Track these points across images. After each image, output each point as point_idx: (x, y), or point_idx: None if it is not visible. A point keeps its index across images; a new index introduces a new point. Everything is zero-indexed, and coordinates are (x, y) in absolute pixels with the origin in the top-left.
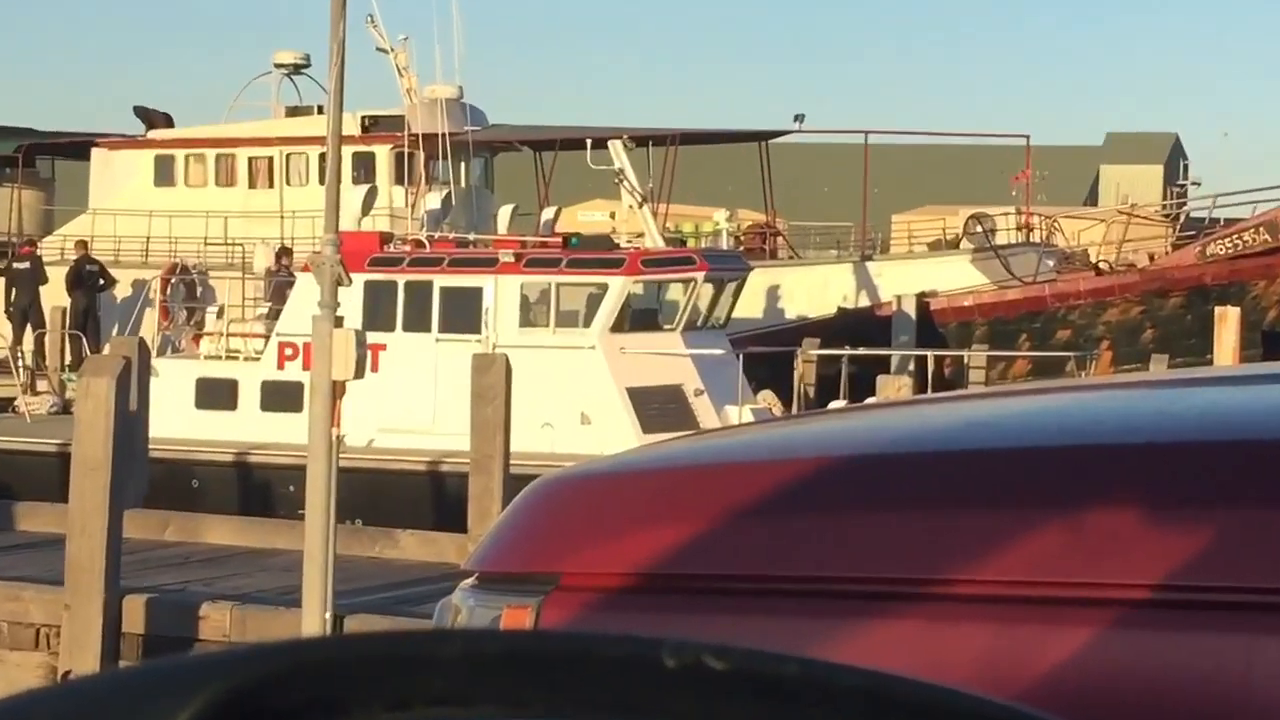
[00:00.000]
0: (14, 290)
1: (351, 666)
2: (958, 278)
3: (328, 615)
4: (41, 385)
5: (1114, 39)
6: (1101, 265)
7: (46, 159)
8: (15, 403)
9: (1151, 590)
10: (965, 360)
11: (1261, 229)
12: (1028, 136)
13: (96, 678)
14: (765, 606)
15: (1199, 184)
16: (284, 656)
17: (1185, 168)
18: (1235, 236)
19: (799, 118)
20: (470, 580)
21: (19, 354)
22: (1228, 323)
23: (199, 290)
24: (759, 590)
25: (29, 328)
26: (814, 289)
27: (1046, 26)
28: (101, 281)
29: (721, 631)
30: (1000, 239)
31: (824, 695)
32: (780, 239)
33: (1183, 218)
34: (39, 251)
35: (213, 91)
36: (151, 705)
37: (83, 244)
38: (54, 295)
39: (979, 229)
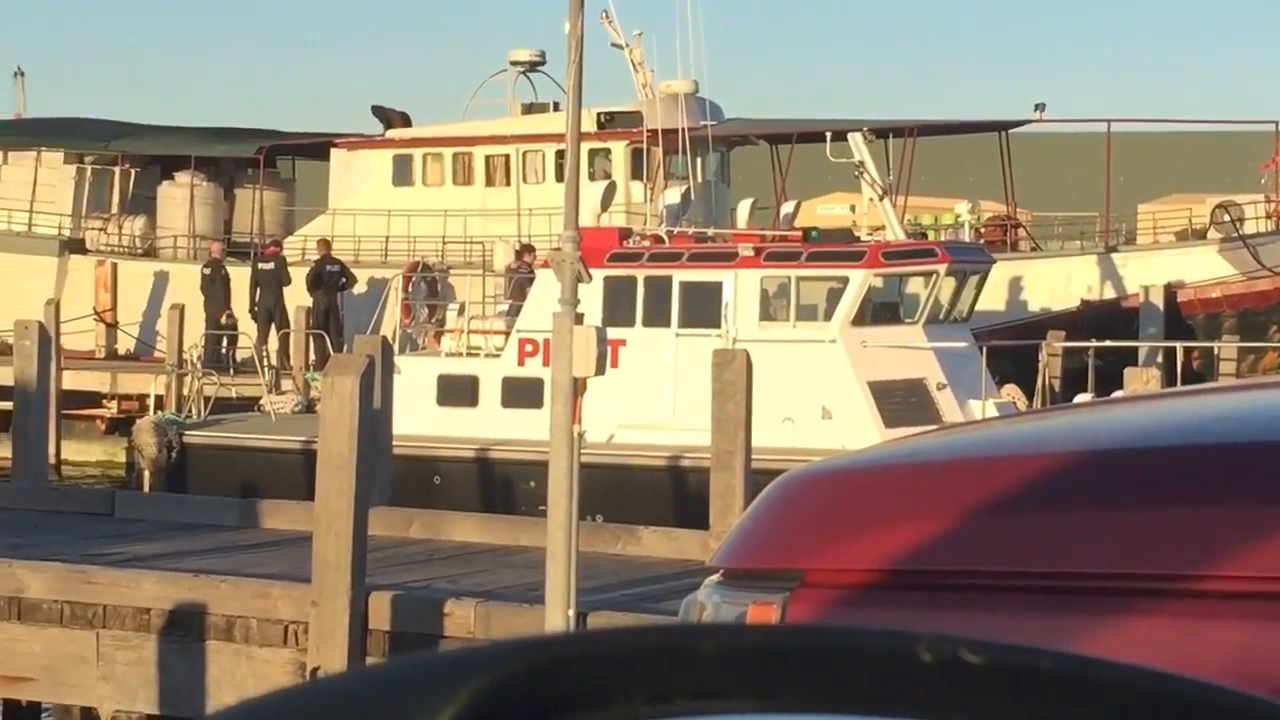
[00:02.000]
0: (259, 290)
1: (611, 660)
2: (1205, 268)
3: (571, 612)
4: (286, 384)
5: None
6: None
7: (286, 159)
8: (261, 401)
9: None
10: (1215, 352)
11: None
12: (1277, 122)
13: (359, 675)
14: (1011, 603)
15: None
16: (544, 651)
17: None
18: None
19: (1039, 107)
20: (715, 576)
21: (264, 353)
22: None
23: (440, 288)
24: (1005, 586)
25: (273, 327)
26: (1057, 281)
27: None
28: (343, 281)
29: (968, 627)
30: (1249, 228)
31: (1081, 690)
32: (1022, 230)
33: None
34: (282, 252)
35: (449, 90)
36: (419, 701)
37: (325, 243)
38: (297, 295)
39: (1227, 218)
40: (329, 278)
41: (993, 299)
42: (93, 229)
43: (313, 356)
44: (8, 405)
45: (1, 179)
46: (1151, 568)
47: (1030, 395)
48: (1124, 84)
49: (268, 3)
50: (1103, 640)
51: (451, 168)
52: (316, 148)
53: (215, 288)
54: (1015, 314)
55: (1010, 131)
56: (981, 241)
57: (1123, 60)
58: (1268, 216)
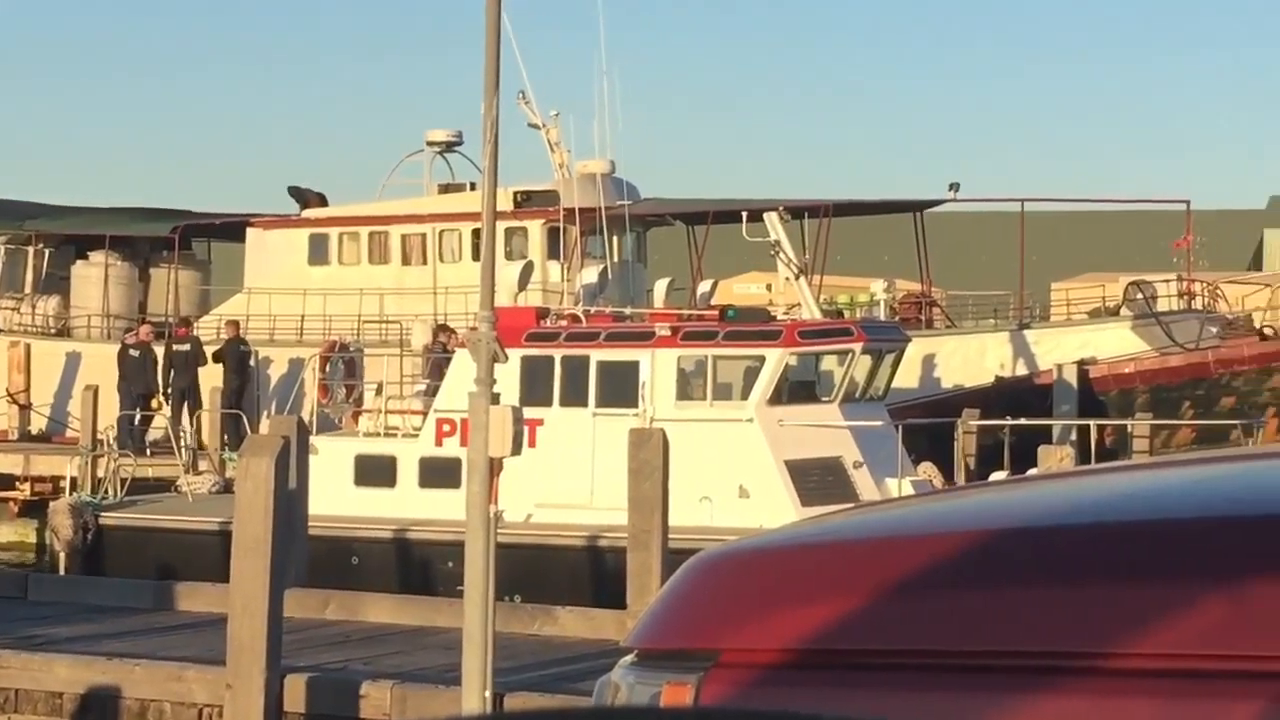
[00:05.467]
0: (174, 371)
1: None
2: (1118, 345)
3: (488, 694)
4: (203, 465)
5: (1276, 99)
6: (1266, 331)
7: (202, 240)
8: (178, 482)
9: None
10: (1128, 429)
11: None
12: (1188, 201)
13: None
14: (923, 681)
15: None
16: None
17: None
18: None
19: (954, 186)
20: (630, 657)
21: (180, 434)
22: None
23: (357, 367)
24: (917, 665)
25: (187, 408)
26: (971, 358)
27: (1204, 90)
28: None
29: (882, 706)
30: (1162, 306)
31: None
32: (937, 308)
33: None
34: (195, 331)
35: (366, 171)
36: None
37: (234, 324)
38: (211, 375)
39: (1140, 295)
40: (239, 357)
41: (908, 376)
42: (6, 309)
43: (227, 437)
44: None
45: None
46: (1061, 646)
47: (947, 473)
48: (1037, 164)
49: (182, 82)
50: (1012, 718)
51: (368, 247)
52: (232, 227)
53: (144, 369)
54: (930, 391)
55: (925, 211)
56: (897, 319)
57: (1036, 140)
58: (1180, 295)
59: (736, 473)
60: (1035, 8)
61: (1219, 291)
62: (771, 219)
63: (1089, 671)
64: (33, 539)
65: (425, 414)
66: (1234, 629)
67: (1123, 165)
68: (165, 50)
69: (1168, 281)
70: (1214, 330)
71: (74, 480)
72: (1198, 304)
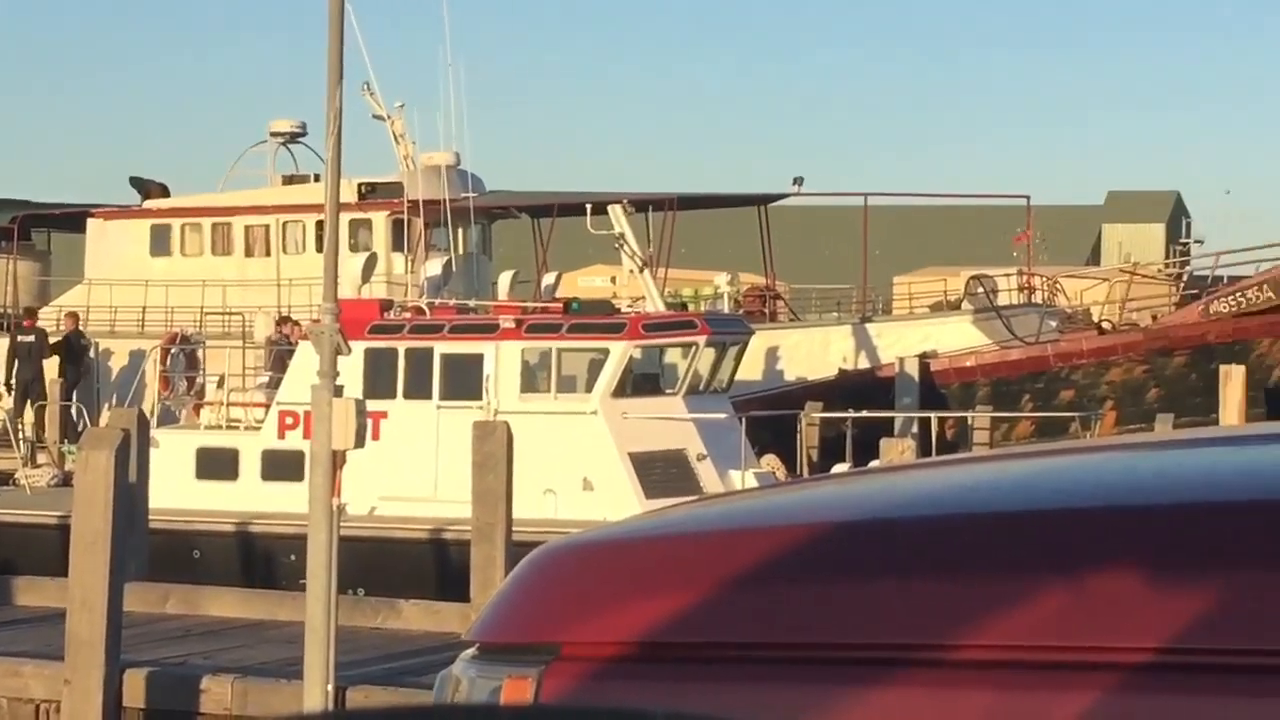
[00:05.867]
0: (18, 362)
1: None
2: (959, 338)
3: (330, 688)
4: (42, 458)
5: (1114, 97)
6: (1104, 325)
7: (42, 231)
8: (16, 475)
9: (1155, 654)
10: (969, 422)
11: (1265, 286)
12: (1028, 197)
13: None
14: (767, 674)
15: (1201, 242)
16: None
17: (1187, 226)
18: (1239, 294)
19: (798, 180)
20: (471, 651)
21: (20, 426)
22: (1233, 381)
23: (199, 360)
24: (761, 658)
25: (29, 400)
26: (815, 351)
27: (1045, 85)
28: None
29: (723, 700)
30: (1002, 300)
31: None
32: (780, 302)
33: (1186, 276)
34: (39, 323)
35: (209, 161)
36: None
37: (73, 316)
38: (55, 368)
39: (980, 290)
40: (77, 350)
41: (751, 369)
42: None
43: (68, 430)
44: None
45: None
46: (903, 638)
47: (789, 465)
48: (881, 159)
49: (21, 70)
50: (855, 711)
51: (210, 238)
52: (73, 218)
53: None
54: (774, 384)
55: (769, 205)
56: (740, 312)
57: (880, 135)
58: (1020, 289)
59: (580, 465)
60: (879, 3)
61: (1058, 286)
62: (616, 212)
63: (930, 664)
64: None
65: (268, 407)
66: (1072, 620)
67: (965, 161)
68: (3, 38)
69: (1008, 276)
70: (1053, 324)
71: None
72: (1037, 298)
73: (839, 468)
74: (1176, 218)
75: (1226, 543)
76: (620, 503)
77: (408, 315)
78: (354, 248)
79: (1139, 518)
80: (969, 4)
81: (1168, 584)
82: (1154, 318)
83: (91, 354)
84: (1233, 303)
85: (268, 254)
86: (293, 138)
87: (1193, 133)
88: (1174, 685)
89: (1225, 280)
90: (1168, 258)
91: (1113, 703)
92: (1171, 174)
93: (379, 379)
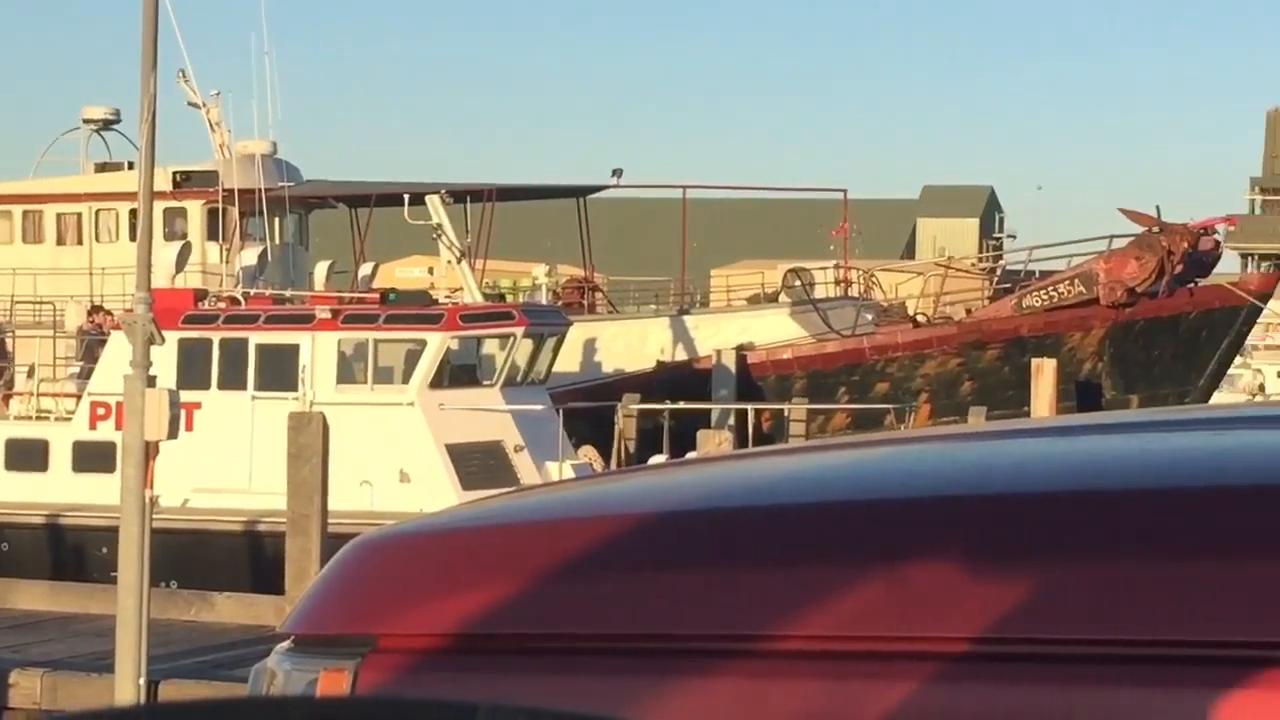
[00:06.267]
0: None
1: None
2: (776, 331)
3: (142, 681)
4: None
5: (928, 93)
6: (919, 318)
7: None
8: None
9: (974, 643)
10: (785, 413)
11: (1076, 281)
12: (845, 191)
13: None
14: (586, 665)
15: (1014, 237)
16: None
17: (1001, 221)
18: (1051, 289)
19: (617, 172)
20: (286, 644)
21: None
22: (1044, 374)
23: (8, 349)
24: (580, 649)
25: None
26: (633, 343)
27: (860, 81)
28: None
29: (543, 692)
30: (819, 293)
31: None
32: (599, 293)
33: (999, 270)
34: None
35: (20, 147)
36: None
37: None
38: None
39: (797, 283)
40: None
41: (569, 360)
42: None
43: None
44: None
45: None
46: (721, 628)
47: (607, 456)
48: (699, 152)
49: None
50: (675, 702)
51: (21, 226)
52: None
53: None
54: (592, 375)
55: (588, 196)
56: (559, 304)
57: (698, 128)
58: (837, 282)
59: (397, 457)
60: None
61: (874, 279)
62: (434, 202)
63: (751, 654)
64: None
65: (79, 397)
66: (892, 610)
67: (783, 155)
68: None
69: (825, 269)
70: (869, 317)
71: None
72: (854, 291)
73: (656, 459)
74: (990, 212)
75: (1042, 533)
76: (437, 494)
77: (222, 305)
78: (168, 237)
79: (955, 508)
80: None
81: (984, 574)
82: (968, 311)
83: None
84: (1045, 297)
85: (80, 242)
86: (106, 124)
87: (1006, 129)
88: (991, 675)
89: (1037, 275)
90: (981, 252)
91: (931, 692)
92: (985, 169)
93: (193, 369)
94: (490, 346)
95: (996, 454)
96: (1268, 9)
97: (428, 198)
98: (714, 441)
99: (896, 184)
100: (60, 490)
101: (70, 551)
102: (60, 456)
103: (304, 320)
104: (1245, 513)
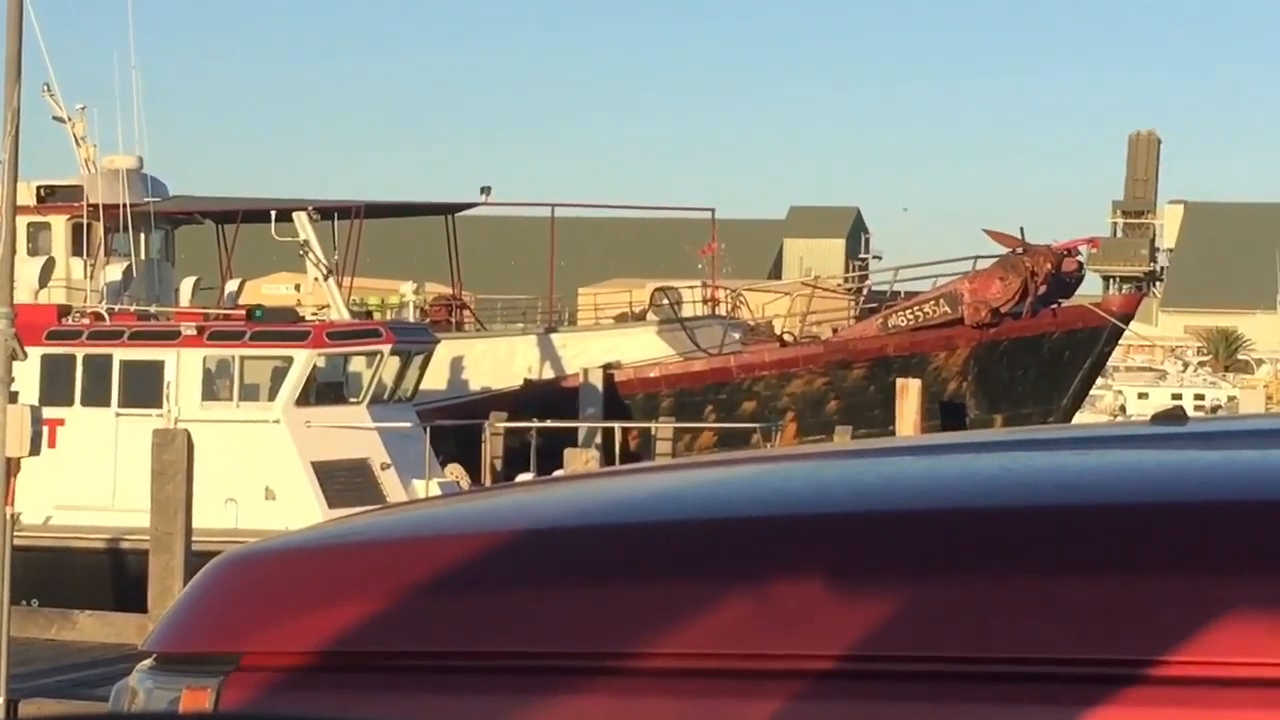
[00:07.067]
0: None
1: None
2: (643, 349)
3: (1, 700)
4: None
5: (795, 114)
6: (786, 337)
7: None
8: None
9: (840, 661)
10: (652, 432)
11: (941, 301)
12: (713, 210)
13: None
14: (452, 684)
15: (880, 257)
16: None
17: (867, 241)
18: (916, 309)
19: (485, 190)
20: (149, 661)
21: None
22: (909, 394)
23: None
24: (445, 668)
25: None
26: (500, 361)
27: (728, 100)
28: None
29: (408, 710)
30: (686, 311)
31: None
32: (467, 311)
33: (865, 290)
34: None
35: None
36: None
37: None
38: None
39: (665, 301)
40: None
41: (437, 378)
42: None
43: None
44: None
45: None
46: (586, 646)
47: (474, 474)
48: (568, 170)
49: None
50: (542, 719)
51: None
52: None
53: None
54: (459, 393)
55: (456, 214)
56: (426, 322)
57: (567, 147)
58: (704, 301)
59: (263, 474)
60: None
61: (741, 298)
62: (301, 219)
63: (617, 672)
64: None
65: None
66: (758, 628)
67: (650, 176)
68: None
69: (692, 288)
70: (736, 336)
71: None
72: (721, 310)
73: (523, 477)
74: (856, 233)
75: (905, 551)
76: (303, 512)
77: (86, 321)
78: (32, 252)
79: (820, 527)
80: (648, 18)
81: (849, 592)
82: (834, 331)
83: None
84: (910, 316)
85: None
86: None
87: (873, 151)
88: (856, 692)
89: (903, 295)
90: (847, 272)
91: (796, 710)
92: (852, 191)
93: (56, 385)
94: (357, 364)
95: (861, 473)
96: (1132, 37)
97: (295, 214)
98: (581, 460)
99: (764, 204)
100: None
101: None
102: None
103: (169, 337)
104: (1102, 531)
